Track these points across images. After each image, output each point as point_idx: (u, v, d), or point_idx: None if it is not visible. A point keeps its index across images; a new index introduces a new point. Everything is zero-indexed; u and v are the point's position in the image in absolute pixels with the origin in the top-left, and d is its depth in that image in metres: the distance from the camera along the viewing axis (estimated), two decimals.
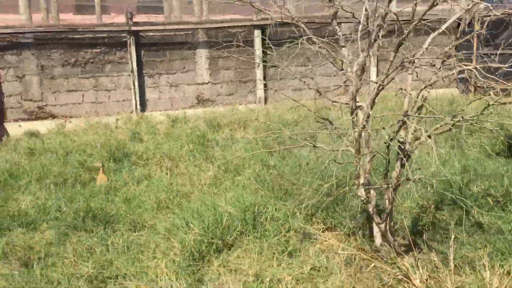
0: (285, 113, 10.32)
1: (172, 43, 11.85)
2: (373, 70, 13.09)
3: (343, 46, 4.18)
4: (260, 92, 12.37)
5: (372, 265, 3.49)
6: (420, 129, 3.37)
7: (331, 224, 4.59)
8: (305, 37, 4.33)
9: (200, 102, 12.23)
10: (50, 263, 4.10)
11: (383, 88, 3.79)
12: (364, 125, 3.62)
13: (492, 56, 3.90)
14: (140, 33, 11.59)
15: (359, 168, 3.68)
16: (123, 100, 11.75)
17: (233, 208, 4.58)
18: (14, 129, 11.09)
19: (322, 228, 4.54)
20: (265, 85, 12.41)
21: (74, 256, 4.10)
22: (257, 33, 12.08)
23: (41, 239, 4.47)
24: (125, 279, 3.80)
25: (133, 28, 11.39)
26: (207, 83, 12.23)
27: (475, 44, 13.15)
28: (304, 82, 4.47)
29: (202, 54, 12.07)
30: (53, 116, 11.39)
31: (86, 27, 11.28)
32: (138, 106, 11.67)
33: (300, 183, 5.45)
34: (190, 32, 11.92)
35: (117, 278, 3.81)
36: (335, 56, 4.75)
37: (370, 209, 3.56)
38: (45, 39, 11.10)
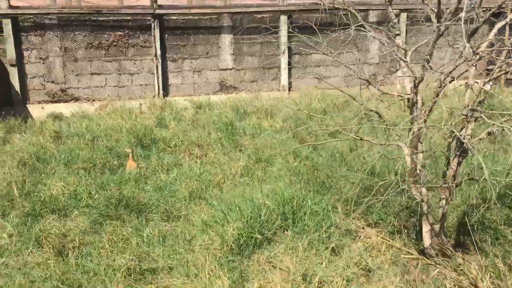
0: (311, 101, 10.11)
1: (196, 27, 11.65)
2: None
3: (398, 34, 3.92)
4: (284, 80, 12.16)
5: (436, 271, 3.31)
6: (493, 124, 3.14)
7: (372, 220, 4.42)
8: (357, 24, 4.02)
9: (223, 88, 12.06)
10: (85, 253, 4.00)
11: (452, 81, 3.56)
12: (426, 120, 3.42)
13: None
14: (164, 17, 11.41)
15: (415, 165, 3.49)
16: (146, 85, 11.62)
17: (270, 201, 4.44)
18: (37, 111, 11.04)
19: (363, 225, 4.37)
20: (289, 73, 12.20)
21: (110, 246, 3.98)
22: (283, 19, 11.82)
23: (75, 227, 4.36)
24: (164, 272, 3.68)
25: (158, 11, 11.20)
26: (230, 69, 12.04)
27: (506, 35, 12.75)
28: (353, 71, 4.18)
29: (226, 39, 11.86)
30: (75, 99, 11.32)
31: (110, 9, 11.11)
32: (161, 91, 11.54)
33: (337, 176, 5.29)
34: (214, 16, 11.70)
35: (156, 272, 3.69)
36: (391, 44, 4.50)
37: (425, 209, 3.38)
38: (69, 21, 10.97)
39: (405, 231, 4.11)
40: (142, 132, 7.23)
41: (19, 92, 10.90)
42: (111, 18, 11.18)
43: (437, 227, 3.37)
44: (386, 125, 3.87)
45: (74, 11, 10.95)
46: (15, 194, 5.15)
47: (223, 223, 4.08)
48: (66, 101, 11.24)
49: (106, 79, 11.42)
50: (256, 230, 4.01)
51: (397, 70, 5.03)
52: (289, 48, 12.08)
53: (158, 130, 7.64)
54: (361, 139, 3.93)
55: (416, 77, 3.47)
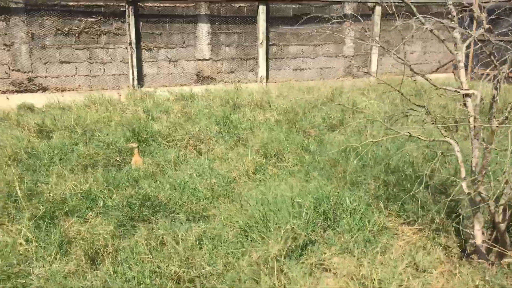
0: (293, 93, 10.02)
1: (173, 15, 11.24)
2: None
3: (453, 28, 3.86)
4: (262, 71, 11.99)
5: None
6: None
7: (406, 217, 4.38)
8: (415, 17, 3.91)
9: (199, 79, 11.74)
10: (121, 259, 3.70)
11: None
12: (493, 114, 3.38)
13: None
14: (139, 3, 10.91)
15: (477, 163, 3.47)
16: (119, 74, 11.10)
17: (304, 199, 4.30)
18: (1, 101, 10.28)
19: (399, 223, 4.33)
20: (266, 65, 12.05)
21: (149, 251, 3.71)
22: (261, 9, 11.62)
23: (103, 231, 4.03)
24: (213, 279, 3.47)
25: None
26: (207, 60, 11.73)
27: (474, 30, 13.17)
28: (402, 60, 4.06)
29: (203, 29, 11.53)
30: (44, 89, 10.63)
31: None
32: (136, 81, 11.08)
33: (357, 172, 5.23)
34: (191, 4, 11.33)
35: (205, 278, 3.47)
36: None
37: (492, 208, 3.36)
38: (36, 5, 10.25)
39: (444, 229, 4.10)
40: (137, 126, 6.85)
41: None
42: (82, 3, 10.55)
43: (503, 226, 3.37)
44: (456, 122, 3.82)
45: None
46: (18, 195, 4.71)
47: (267, 224, 3.91)
48: (33, 91, 10.54)
49: (76, 68, 10.80)
50: (299, 232, 3.86)
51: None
52: (267, 39, 11.92)
53: (150, 123, 7.28)
54: (410, 135, 3.86)
55: (499, 72, 3.40)
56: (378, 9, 12.52)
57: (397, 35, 13.08)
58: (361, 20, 12.68)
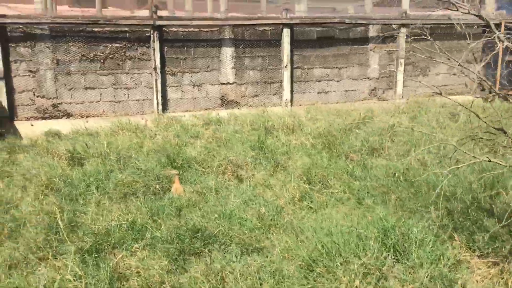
0: (322, 116, 9.80)
1: (197, 39, 11.15)
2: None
3: None
4: (286, 94, 11.81)
5: None
6: None
7: (478, 249, 4.07)
8: (500, 34, 3.71)
9: (223, 103, 11.57)
10: None
11: None
12: None
13: None
14: (164, 28, 10.84)
15: None
16: (143, 100, 10.96)
17: (366, 230, 4.02)
18: (26, 128, 10.15)
19: (471, 255, 4.03)
20: (291, 88, 11.88)
21: None
22: (286, 32, 11.51)
23: (157, 265, 3.76)
24: None
25: (158, 23, 10.63)
26: (231, 83, 11.58)
27: (500, 51, 12.98)
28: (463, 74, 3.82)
29: (227, 53, 11.42)
30: (68, 115, 10.51)
31: (107, 19, 10.43)
32: (160, 106, 10.93)
33: (411, 199, 4.95)
34: (216, 28, 11.24)
35: None
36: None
37: None
38: (62, 31, 10.20)
39: None
40: (172, 151, 6.64)
41: (6, 107, 9.99)
42: (107, 29, 10.50)
43: None
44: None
45: (68, 21, 10.19)
46: (59, 226, 4.47)
47: (332, 257, 3.63)
48: (57, 117, 10.41)
49: (101, 94, 10.69)
50: (369, 267, 3.57)
51: None
52: (291, 62, 11.78)
53: (184, 149, 7.07)
54: (489, 161, 3.60)
55: None
56: (403, 30, 12.37)
57: (422, 57, 12.88)
58: (386, 42, 12.54)
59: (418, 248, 3.84)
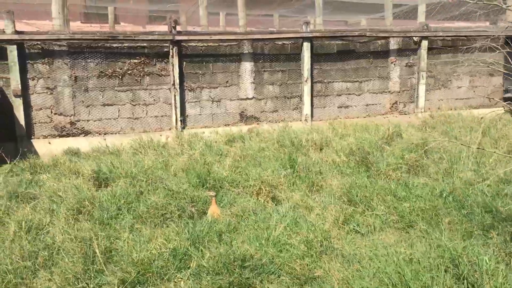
0: (347, 131, 9.54)
1: (216, 54, 10.96)
2: None
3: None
4: (307, 109, 11.57)
5: None
6: None
7: None
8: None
9: (243, 119, 11.34)
10: None
11: None
12: None
13: None
14: (182, 43, 10.66)
15: None
16: (162, 116, 10.75)
17: (429, 258, 3.73)
18: (43, 146, 9.94)
19: None
20: (311, 102, 11.65)
21: None
22: (306, 46, 11.31)
23: None
24: None
25: (177, 38, 10.45)
26: (251, 99, 11.36)
27: None
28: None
29: (246, 67, 11.22)
30: (86, 133, 10.29)
31: (126, 35, 10.26)
32: (179, 123, 10.70)
33: (465, 221, 4.66)
34: (235, 43, 11.06)
35: None
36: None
37: None
38: (80, 47, 10.03)
39: None
40: (201, 171, 6.38)
41: (23, 125, 9.79)
42: (126, 44, 10.32)
43: None
44: None
45: (86, 37, 10.02)
46: (96, 254, 4.20)
47: None
48: (75, 135, 10.19)
49: (119, 110, 10.48)
50: None
51: None
52: (311, 77, 11.56)
53: (213, 168, 6.81)
54: None
55: None
56: (424, 43, 12.15)
57: (443, 69, 12.67)
58: (407, 55, 12.32)
59: (490, 279, 3.54)
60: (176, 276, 4.01)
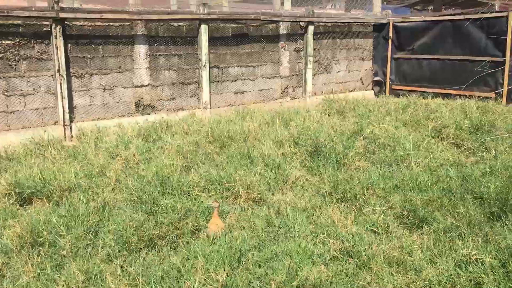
0: (259, 119, 9.24)
1: (106, 36, 9.59)
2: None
3: None
4: (206, 96, 10.92)
5: None
6: None
7: None
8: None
9: (139, 109, 10.21)
10: None
11: None
12: None
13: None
14: (66, 22, 9.05)
15: None
16: (44, 108, 9.05)
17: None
18: None
19: None
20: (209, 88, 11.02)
21: None
22: (203, 28, 10.60)
23: None
24: None
25: (61, 15, 8.81)
26: (146, 86, 10.27)
27: (389, 48, 13.90)
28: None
29: (141, 51, 10.07)
30: None
31: None
32: (67, 115, 9.13)
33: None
34: (127, 23, 9.81)
35: None
36: None
37: None
38: None
39: None
40: (162, 176, 5.44)
41: None
42: None
43: None
44: None
45: None
46: None
47: None
48: None
49: None
50: None
51: None
52: (209, 61, 10.90)
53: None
54: None
55: None
56: (310, 29, 12.40)
57: (326, 54, 13.15)
58: (295, 39, 12.44)
59: None
60: None
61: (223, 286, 3.48)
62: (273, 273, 3.66)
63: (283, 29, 12.18)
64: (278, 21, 11.95)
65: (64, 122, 9.13)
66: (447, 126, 8.03)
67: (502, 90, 11.53)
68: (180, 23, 10.51)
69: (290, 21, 12.12)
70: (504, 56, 11.44)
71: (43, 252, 4.07)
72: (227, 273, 3.53)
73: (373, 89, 14.31)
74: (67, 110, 9.12)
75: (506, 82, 11.47)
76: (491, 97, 11.53)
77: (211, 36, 10.89)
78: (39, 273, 3.73)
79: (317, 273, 3.68)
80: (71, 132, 9.20)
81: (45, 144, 7.51)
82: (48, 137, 8.10)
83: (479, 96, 11.58)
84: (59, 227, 4.44)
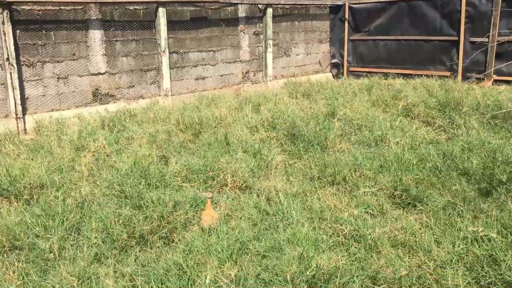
0: (221, 105, 8.98)
1: (58, 20, 8.95)
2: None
3: None
4: (166, 83, 10.50)
5: None
6: None
7: None
8: None
9: (97, 98, 9.66)
10: None
11: None
12: None
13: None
14: (13, 6, 8.36)
15: None
16: None
17: None
18: None
19: None
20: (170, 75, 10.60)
21: None
22: (162, 11, 10.13)
23: None
24: None
25: None
26: (104, 74, 9.71)
27: (346, 30, 13.93)
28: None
29: (96, 36, 9.49)
30: None
31: None
32: (19, 107, 8.48)
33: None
34: (80, 7, 9.20)
35: None
36: None
37: None
38: None
39: None
40: (142, 168, 5.09)
41: None
42: None
43: None
44: None
45: None
46: None
47: None
48: None
49: None
50: None
51: None
52: (168, 46, 10.46)
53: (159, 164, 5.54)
54: None
55: None
56: (269, 11, 12.18)
57: (285, 37, 13.00)
58: (254, 23, 12.19)
59: None
60: None
61: (232, 282, 3.25)
62: (281, 263, 3.47)
63: (242, 12, 11.88)
64: (236, 4, 11.64)
65: (16, 114, 8.47)
66: (416, 104, 8.09)
67: (457, 69, 11.82)
68: (136, 6, 9.99)
69: (249, 3, 11.84)
70: (459, 35, 11.71)
71: (24, 257, 3.68)
72: (238, 268, 3.30)
73: (331, 71, 14.32)
74: (19, 101, 8.47)
75: (461, 61, 11.77)
76: (447, 76, 11.80)
77: (170, 20, 10.44)
78: (24, 280, 3.35)
79: (328, 260, 3.53)
80: (24, 125, 8.56)
81: (1, 139, 6.89)
82: (4, 131, 7.47)
83: (436, 75, 11.83)
84: (35, 227, 4.04)
